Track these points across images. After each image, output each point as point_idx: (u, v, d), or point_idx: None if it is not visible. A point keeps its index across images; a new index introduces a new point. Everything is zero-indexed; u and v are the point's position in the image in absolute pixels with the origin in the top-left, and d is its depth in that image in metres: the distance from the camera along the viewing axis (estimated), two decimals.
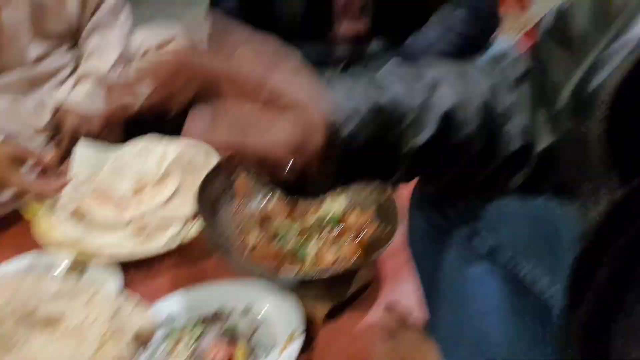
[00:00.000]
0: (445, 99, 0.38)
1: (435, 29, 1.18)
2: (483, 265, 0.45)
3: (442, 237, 0.49)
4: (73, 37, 1.13)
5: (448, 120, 0.37)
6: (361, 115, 0.36)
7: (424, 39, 1.19)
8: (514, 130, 0.39)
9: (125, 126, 1.16)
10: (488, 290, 0.45)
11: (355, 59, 1.28)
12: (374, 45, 1.29)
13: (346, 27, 1.28)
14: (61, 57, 1.11)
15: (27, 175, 0.77)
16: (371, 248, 0.78)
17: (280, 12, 1.24)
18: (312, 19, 1.24)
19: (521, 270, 0.43)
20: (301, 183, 0.37)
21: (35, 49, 1.05)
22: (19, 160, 0.77)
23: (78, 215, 0.79)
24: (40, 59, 1.07)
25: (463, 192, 0.45)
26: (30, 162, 0.77)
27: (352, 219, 0.83)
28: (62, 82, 1.10)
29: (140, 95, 0.49)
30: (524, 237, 0.44)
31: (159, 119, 1.05)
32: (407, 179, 0.42)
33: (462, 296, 0.47)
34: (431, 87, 0.38)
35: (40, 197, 0.78)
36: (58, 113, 1.03)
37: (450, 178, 0.42)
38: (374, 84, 0.38)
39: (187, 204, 0.84)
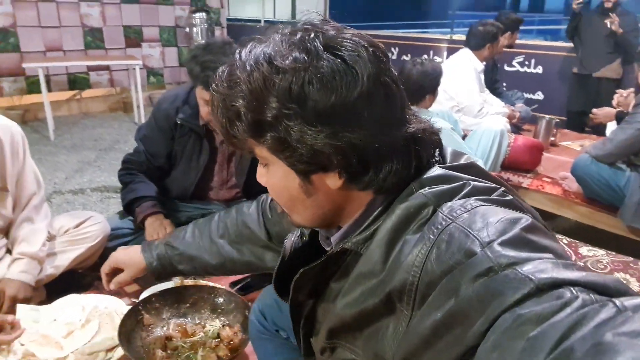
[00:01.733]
0: None
1: None
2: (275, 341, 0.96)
3: (266, 335, 1.00)
4: (6, 229, 1.49)
5: None
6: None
7: None
8: None
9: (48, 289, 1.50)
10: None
11: None
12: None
13: (221, 194, 1.86)
14: None
15: None
16: (238, 349, 1.22)
17: (176, 184, 1.79)
18: (198, 190, 1.79)
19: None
20: None
21: None
22: None
23: (27, 356, 1.12)
24: None
25: None
26: None
27: (224, 333, 1.27)
28: None
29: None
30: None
31: (73, 282, 1.43)
32: None
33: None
34: None
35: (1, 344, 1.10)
36: None
37: None
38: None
39: (108, 338, 1.21)
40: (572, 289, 0.42)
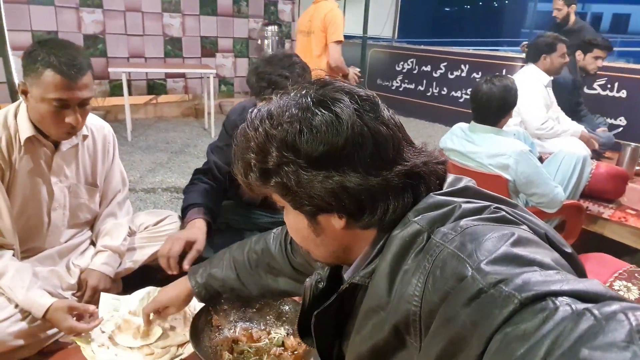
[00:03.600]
0: None
1: None
2: None
3: None
4: (92, 222, 1.59)
5: None
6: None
7: None
8: None
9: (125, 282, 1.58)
10: None
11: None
12: None
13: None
14: (82, 235, 1.55)
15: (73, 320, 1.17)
16: (301, 359, 1.22)
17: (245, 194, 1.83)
18: (266, 200, 1.82)
19: None
20: None
21: (68, 234, 1.49)
22: (71, 312, 1.18)
23: (111, 340, 1.18)
24: (69, 239, 1.50)
25: None
26: (78, 311, 1.18)
27: (289, 342, 1.27)
28: (82, 252, 1.53)
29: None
30: None
31: (148, 276, 1.50)
32: None
33: None
34: None
35: (81, 333, 1.17)
36: (82, 275, 1.44)
37: None
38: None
39: (180, 334, 1.25)
40: (553, 299, 0.44)
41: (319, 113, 0.61)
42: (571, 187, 2.27)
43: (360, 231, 0.66)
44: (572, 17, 3.83)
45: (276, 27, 5.95)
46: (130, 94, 4.99)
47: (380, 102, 0.65)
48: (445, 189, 0.66)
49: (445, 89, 5.60)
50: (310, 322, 0.74)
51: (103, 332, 1.20)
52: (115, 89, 5.09)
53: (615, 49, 3.94)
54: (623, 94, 4.24)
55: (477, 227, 0.55)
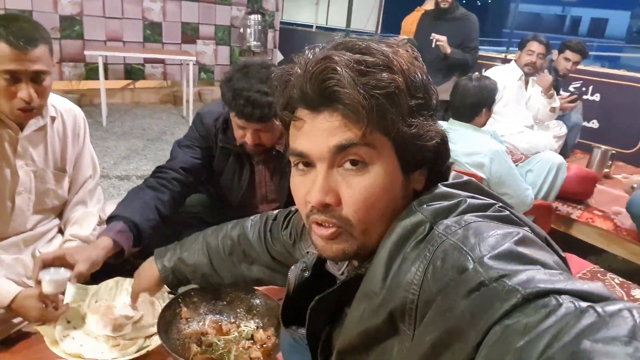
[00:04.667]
0: None
1: None
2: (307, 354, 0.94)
3: (296, 347, 0.99)
4: (60, 209, 1.55)
5: None
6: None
7: None
8: None
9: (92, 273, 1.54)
10: None
11: None
12: None
13: (261, 209, 1.86)
14: (50, 223, 1.51)
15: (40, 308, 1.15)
16: (270, 354, 1.22)
17: (221, 200, 1.79)
18: (244, 202, 1.79)
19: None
20: None
21: (34, 220, 1.44)
22: (40, 300, 1.15)
23: (76, 321, 1.16)
24: (35, 226, 1.46)
25: None
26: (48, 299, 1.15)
27: (258, 335, 1.27)
28: (50, 240, 1.48)
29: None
30: None
31: (116, 267, 1.46)
32: None
33: None
34: None
35: (49, 321, 1.15)
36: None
37: None
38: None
39: (148, 326, 1.23)
40: (557, 297, 0.43)
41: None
42: (544, 191, 2.33)
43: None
44: (458, 6, 3.70)
45: (259, 16, 5.87)
46: (106, 78, 4.87)
47: None
48: (449, 181, 0.65)
49: None
50: (296, 308, 0.73)
51: (68, 322, 1.18)
52: (91, 73, 4.96)
53: (591, 53, 4.01)
54: (597, 97, 4.34)
55: (481, 224, 0.55)
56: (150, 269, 1.20)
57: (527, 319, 0.43)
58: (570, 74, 3.69)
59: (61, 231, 1.52)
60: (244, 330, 1.28)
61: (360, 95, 0.54)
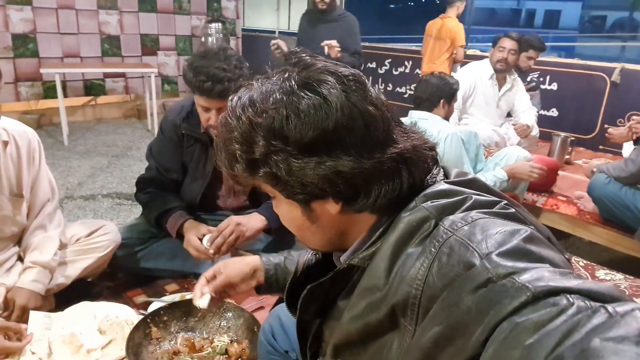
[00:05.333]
0: None
1: None
2: None
3: (275, 356, 0.99)
4: (19, 235, 1.49)
5: None
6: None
7: None
8: None
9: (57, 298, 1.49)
10: None
11: None
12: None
13: (229, 203, 1.85)
14: (8, 251, 1.45)
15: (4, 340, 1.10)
16: None
17: (185, 193, 1.78)
18: (207, 198, 1.78)
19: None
20: None
21: None
22: (2, 332, 1.10)
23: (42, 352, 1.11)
24: None
25: None
26: (9, 331, 1.10)
27: (233, 349, 1.25)
28: (9, 269, 1.43)
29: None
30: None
31: (82, 290, 1.42)
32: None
33: None
34: None
35: (13, 353, 1.10)
36: (9, 294, 1.34)
37: None
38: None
39: (117, 349, 1.20)
40: (568, 296, 0.43)
41: (305, 96, 0.58)
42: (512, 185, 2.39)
43: (355, 215, 0.64)
44: (337, 6, 3.68)
45: (220, 24, 5.82)
46: (65, 95, 4.73)
47: (366, 80, 0.62)
48: (453, 179, 0.65)
49: (390, 84, 5.70)
50: (299, 293, 0.72)
51: (33, 353, 1.13)
52: (49, 91, 4.81)
53: (547, 44, 4.13)
54: (554, 86, 4.48)
55: (488, 220, 0.55)
56: (243, 261, 1.05)
57: (537, 316, 0.42)
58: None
59: (21, 258, 1.47)
60: (217, 345, 1.26)
61: (227, 169, 0.65)
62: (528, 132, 3.19)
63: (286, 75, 0.61)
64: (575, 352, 0.38)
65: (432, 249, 0.54)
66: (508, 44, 3.17)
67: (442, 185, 0.62)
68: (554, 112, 4.50)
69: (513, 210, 0.60)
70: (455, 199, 0.59)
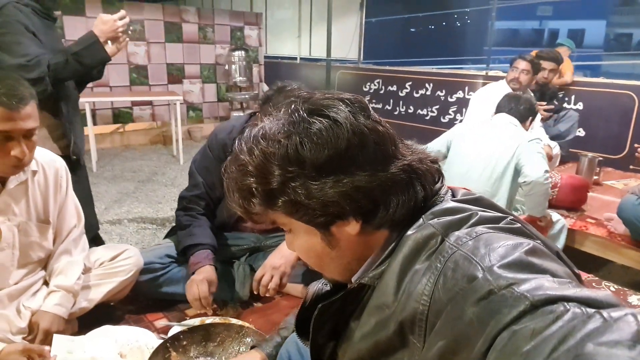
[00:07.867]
0: None
1: None
2: None
3: None
4: (45, 260, 1.52)
5: None
6: None
7: None
8: None
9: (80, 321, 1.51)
10: None
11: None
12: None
13: (257, 225, 1.87)
14: (35, 276, 1.48)
15: None
16: None
17: (221, 213, 1.80)
18: (239, 219, 1.81)
19: None
20: None
21: (18, 275, 1.41)
22: (25, 354, 1.12)
23: None
24: (20, 280, 1.43)
25: None
26: (32, 353, 1.12)
27: None
28: (34, 293, 1.46)
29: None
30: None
31: (104, 314, 1.44)
32: None
33: None
34: None
35: None
36: (33, 317, 1.37)
37: None
38: None
39: None
40: (565, 303, 0.44)
41: (316, 121, 0.60)
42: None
43: (372, 235, 0.65)
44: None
45: (243, 52, 5.98)
46: (95, 123, 4.91)
47: (368, 104, 0.65)
48: (460, 197, 0.67)
49: (411, 107, 5.71)
50: (309, 321, 0.73)
51: None
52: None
53: (572, 63, 4.07)
54: (580, 106, 4.40)
55: (492, 235, 0.56)
56: (252, 355, 1.14)
57: (534, 324, 0.43)
58: (551, 85, 3.74)
59: (46, 283, 1.50)
60: None
61: (241, 208, 0.66)
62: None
63: (292, 107, 0.64)
64: (570, 357, 0.39)
65: (438, 265, 0.55)
66: (521, 64, 3.20)
67: (449, 204, 0.63)
68: (580, 132, 4.41)
69: (519, 225, 0.61)
70: (461, 215, 0.60)
